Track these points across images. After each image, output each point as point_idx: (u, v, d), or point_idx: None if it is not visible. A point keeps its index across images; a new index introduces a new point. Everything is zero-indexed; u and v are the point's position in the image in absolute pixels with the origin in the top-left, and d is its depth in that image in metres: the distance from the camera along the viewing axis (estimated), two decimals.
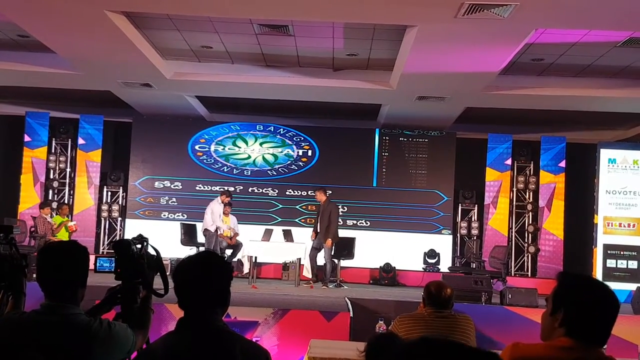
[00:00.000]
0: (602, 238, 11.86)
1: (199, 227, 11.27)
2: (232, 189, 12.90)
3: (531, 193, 13.16)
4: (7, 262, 2.87)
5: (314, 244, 10.61)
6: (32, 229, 11.25)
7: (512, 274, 12.63)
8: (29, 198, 12.83)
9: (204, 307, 2.33)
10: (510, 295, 8.85)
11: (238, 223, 11.50)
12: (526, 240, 13.11)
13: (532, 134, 13.11)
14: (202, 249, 10.59)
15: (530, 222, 13.08)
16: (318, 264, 10.69)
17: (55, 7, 7.33)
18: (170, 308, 6.94)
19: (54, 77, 10.57)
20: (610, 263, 11.75)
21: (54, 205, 12.32)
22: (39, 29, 8.49)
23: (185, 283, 2.35)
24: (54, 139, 13.25)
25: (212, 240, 10.73)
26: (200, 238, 11.24)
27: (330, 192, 12.94)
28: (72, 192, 13.22)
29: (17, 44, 9.80)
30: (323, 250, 10.50)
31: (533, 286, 9.54)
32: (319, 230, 10.53)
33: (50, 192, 13.11)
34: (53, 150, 13.24)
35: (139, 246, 2.96)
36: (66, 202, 12.88)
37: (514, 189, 13.21)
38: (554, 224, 12.80)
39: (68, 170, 13.28)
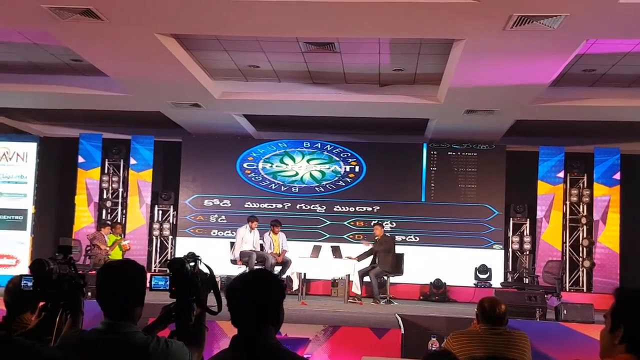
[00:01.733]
0: None
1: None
2: (280, 205, 13.03)
3: (585, 206, 12.86)
4: (66, 281, 2.94)
5: (371, 273, 10.64)
6: (88, 248, 11.50)
7: (567, 289, 12.35)
8: (83, 218, 13.16)
9: (258, 324, 2.34)
10: (565, 311, 8.66)
11: (287, 240, 11.53)
12: (581, 255, 12.80)
13: (585, 146, 12.82)
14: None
15: (585, 236, 12.78)
16: (365, 280, 10.72)
17: (107, 31, 7.53)
18: (222, 325, 6.98)
19: (106, 100, 10.83)
20: None
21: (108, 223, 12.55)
22: (92, 53, 8.74)
23: (239, 301, 2.36)
24: (106, 159, 13.56)
25: (251, 258, 10.78)
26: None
27: (379, 207, 12.98)
28: (124, 211, 13.49)
29: (71, 68, 10.09)
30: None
31: (589, 301, 9.30)
32: (378, 261, 10.73)
33: (104, 211, 13.41)
34: (106, 171, 13.55)
35: (192, 264, 2.99)
36: (119, 221, 13.14)
37: (567, 202, 12.93)
38: (609, 237, 12.48)
39: (120, 190, 13.56)
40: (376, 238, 10.95)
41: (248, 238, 11.15)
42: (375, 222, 11.71)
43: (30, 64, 9.96)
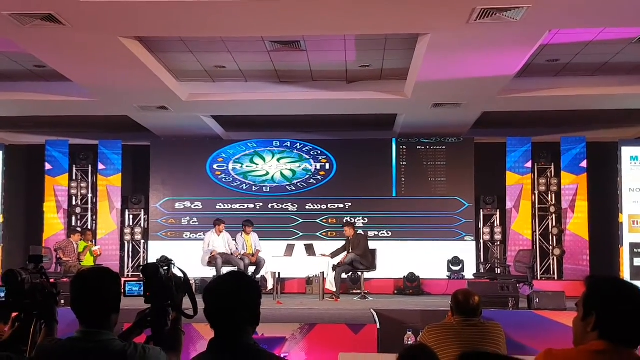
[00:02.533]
0: (628, 237, 11.76)
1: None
2: (251, 205, 13.01)
3: (553, 195, 13.04)
4: (39, 291, 2.91)
5: (346, 260, 10.70)
6: (58, 256, 11.35)
7: (538, 278, 12.50)
8: (53, 225, 12.97)
9: (235, 326, 2.34)
10: (537, 299, 8.78)
11: (260, 240, 11.51)
12: (551, 243, 12.99)
13: (552, 136, 12.99)
14: (224, 268, 10.62)
15: (554, 225, 12.96)
16: (342, 277, 10.82)
17: (70, 36, 7.42)
18: (199, 328, 6.94)
19: (71, 105, 10.69)
20: (638, 262, 11.64)
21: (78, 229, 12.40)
22: (55, 59, 8.61)
23: (216, 304, 2.36)
24: (74, 165, 13.39)
25: (217, 262, 10.73)
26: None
27: (350, 204, 13.02)
28: (94, 217, 13.34)
29: (34, 75, 9.93)
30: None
31: (560, 289, 9.44)
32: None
33: (74, 218, 13.24)
34: (74, 177, 13.38)
35: (165, 268, 2.98)
36: (89, 227, 12.99)
37: (536, 192, 13.10)
38: (578, 225, 12.66)
39: (90, 195, 13.40)
40: (348, 237, 10.98)
41: (217, 242, 11.09)
42: (346, 221, 11.74)
43: None
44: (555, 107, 11.08)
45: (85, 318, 2.60)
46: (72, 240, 11.43)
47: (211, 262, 10.86)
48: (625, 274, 11.42)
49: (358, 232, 11.37)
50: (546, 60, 9.30)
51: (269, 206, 13.13)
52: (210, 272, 10.70)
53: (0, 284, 3.02)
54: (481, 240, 13.08)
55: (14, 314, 3.05)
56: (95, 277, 2.69)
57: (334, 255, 10.82)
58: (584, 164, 12.67)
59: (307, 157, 13.25)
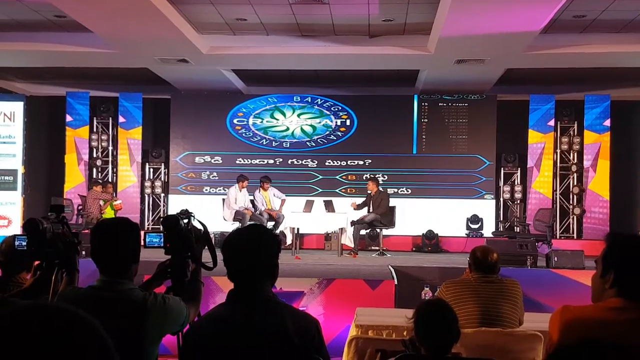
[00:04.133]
0: None
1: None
2: (271, 161, 13.02)
3: (575, 154, 12.90)
4: (60, 240, 2.94)
5: (366, 219, 10.72)
6: (80, 207, 11.49)
7: (558, 237, 12.45)
8: (73, 177, 13.11)
9: (254, 278, 2.35)
10: (556, 258, 8.76)
11: (278, 193, 11.50)
12: (571, 202, 12.90)
13: (576, 93, 12.79)
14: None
15: (575, 184, 12.85)
16: (361, 233, 10.87)
17: None
18: (218, 281, 7.03)
19: (91, 57, 10.68)
20: None
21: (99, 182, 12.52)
22: (75, 9, 8.56)
23: (235, 255, 2.37)
24: (95, 118, 13.43)
25: (245, 218, 10.79)
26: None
27: (370, 160, 12.99)
28: (115, 169, 13.43)
29: (55, 25, 9.90)
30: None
31: (579, 248, 9.39)
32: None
33: (94, 170, 13.35)
34: (95, 129, 13.44)
35: (185, 221, 3.00)
36: (110, 180, 13.10)
37: (558, 150, 12.96)
38: (599, 184, 12.55)
39: (110, 148, 13.48)
40: (369, 192, 10.99)
41: (240, 198, 11.15)
42: (370, 176, 11.72)
43: (14, 21, 9.77)
44: (580, 64, 10.88)
45: (105, 267, 2.62)
46: (96, 190, 11.56)
47: (237, 216, 10.90)
48: None
49: (381, 189, 11.31)
50: (572, 16, 9.09)
51: (289, 162, 13.13)
52: (230, 227, 10.76)
53: (22, 232, 3.06)
54: (501, 199, 13.02)
55: (36, 263, 3.10)
56: (115, 226, 2.72)
57: (359, 207, 10.89)
58: (608, 122, 12.48)
59: (328, 112, 13.18)
